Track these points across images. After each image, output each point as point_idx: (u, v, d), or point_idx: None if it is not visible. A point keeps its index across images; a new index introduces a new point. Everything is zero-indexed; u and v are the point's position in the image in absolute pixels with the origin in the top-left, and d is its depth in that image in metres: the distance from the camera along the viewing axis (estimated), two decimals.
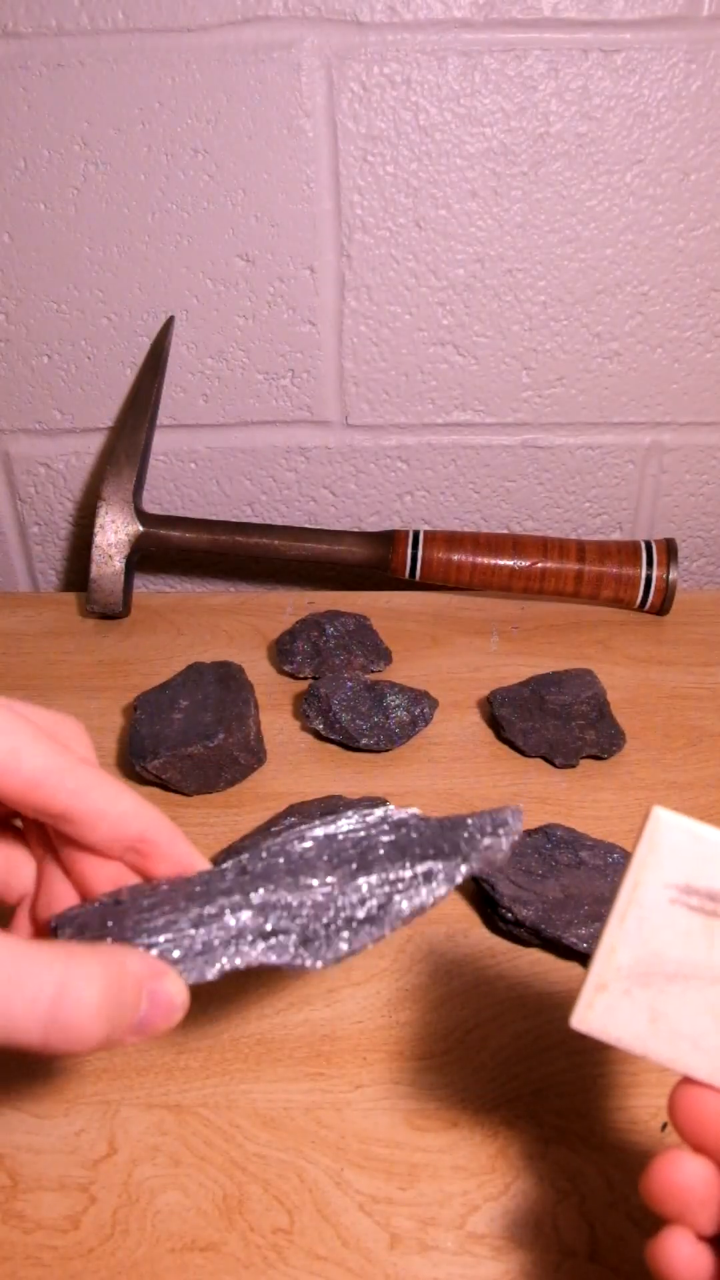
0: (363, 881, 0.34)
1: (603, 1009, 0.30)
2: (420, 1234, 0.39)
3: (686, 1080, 0.30)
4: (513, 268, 0.76)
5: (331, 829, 0.36)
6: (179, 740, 0.59)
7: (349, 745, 0.64)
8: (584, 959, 0.50)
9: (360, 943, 0.33)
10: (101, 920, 0.32)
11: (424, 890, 0.34)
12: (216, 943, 0.32)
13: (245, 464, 0.85)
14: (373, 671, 0.71)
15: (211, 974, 0.31)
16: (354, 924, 0.33)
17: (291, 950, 0.32)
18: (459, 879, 0.34)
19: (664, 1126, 0.42)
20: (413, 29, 0.69)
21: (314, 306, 0.78)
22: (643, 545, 0.75)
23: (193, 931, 0.32)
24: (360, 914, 0.33)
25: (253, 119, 0.72)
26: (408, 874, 0.34)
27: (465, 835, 0.35)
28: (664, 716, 0.67)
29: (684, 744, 0.64)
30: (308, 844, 0.35)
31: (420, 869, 0.34)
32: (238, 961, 0.32)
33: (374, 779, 0.62)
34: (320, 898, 0.33)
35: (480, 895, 0.52)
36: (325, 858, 0.35)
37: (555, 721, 0.62)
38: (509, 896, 0.49)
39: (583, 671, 0.65)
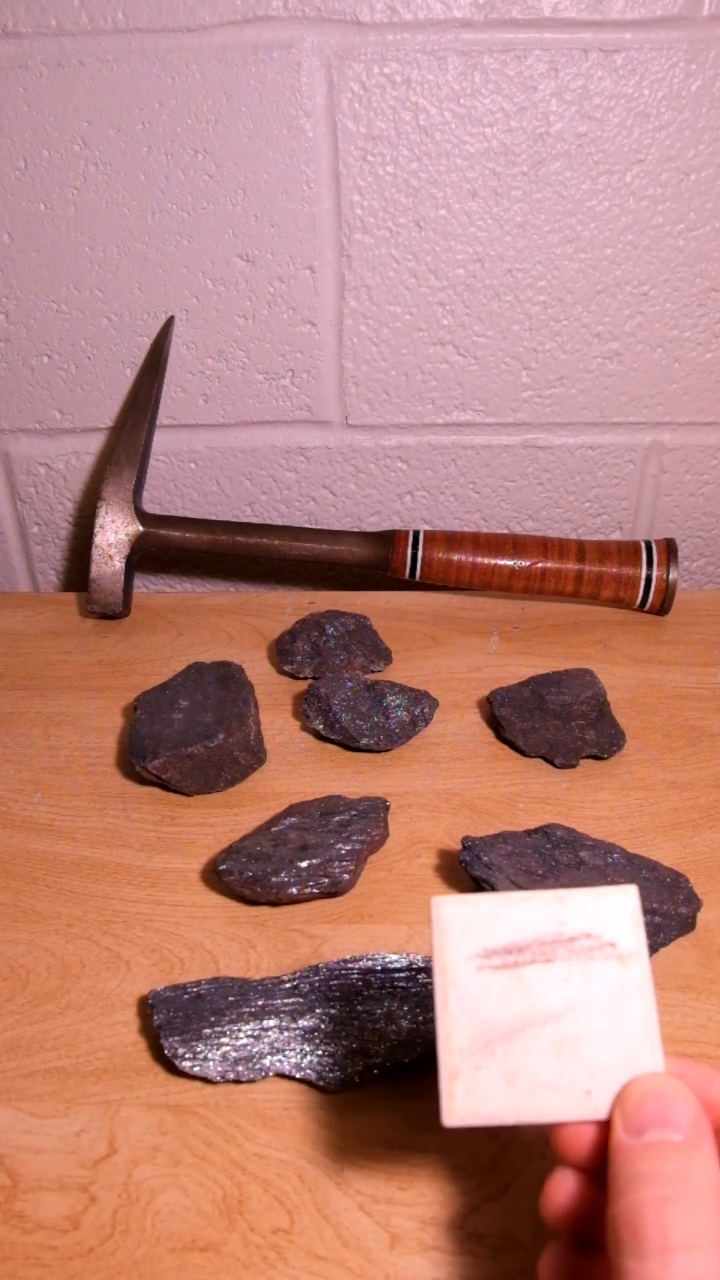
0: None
1: (464, 1094, 0.31)
2: (420, 1234, 0.39)
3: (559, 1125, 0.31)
4: (513, 268, 0.76)
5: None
6: (179, 740, 0.59)
7: (349, 745, 0.64)
8: None
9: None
10: (185, 1017, 0.45)
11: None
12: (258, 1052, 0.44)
13: (245, 464, 0.85)
14: (373, 671, 0.71)
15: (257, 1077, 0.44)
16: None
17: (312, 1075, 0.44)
18: None
19: None
20: (413, 29, 0.69)
21: (314, 306, 0.78)
22: (643, 545, 0.75)
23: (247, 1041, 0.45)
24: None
25: (253, 119, 0.72)
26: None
27: None
28: (664, 716, 0.67)
29: (684, 744, 0.64)
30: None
31: None
32: (271, 1073, 0.44)
33: (374, 779, 0.62)
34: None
35: None
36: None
37: (555, 721, 0.62)
38: None
39: (583, 671, 0.65)
